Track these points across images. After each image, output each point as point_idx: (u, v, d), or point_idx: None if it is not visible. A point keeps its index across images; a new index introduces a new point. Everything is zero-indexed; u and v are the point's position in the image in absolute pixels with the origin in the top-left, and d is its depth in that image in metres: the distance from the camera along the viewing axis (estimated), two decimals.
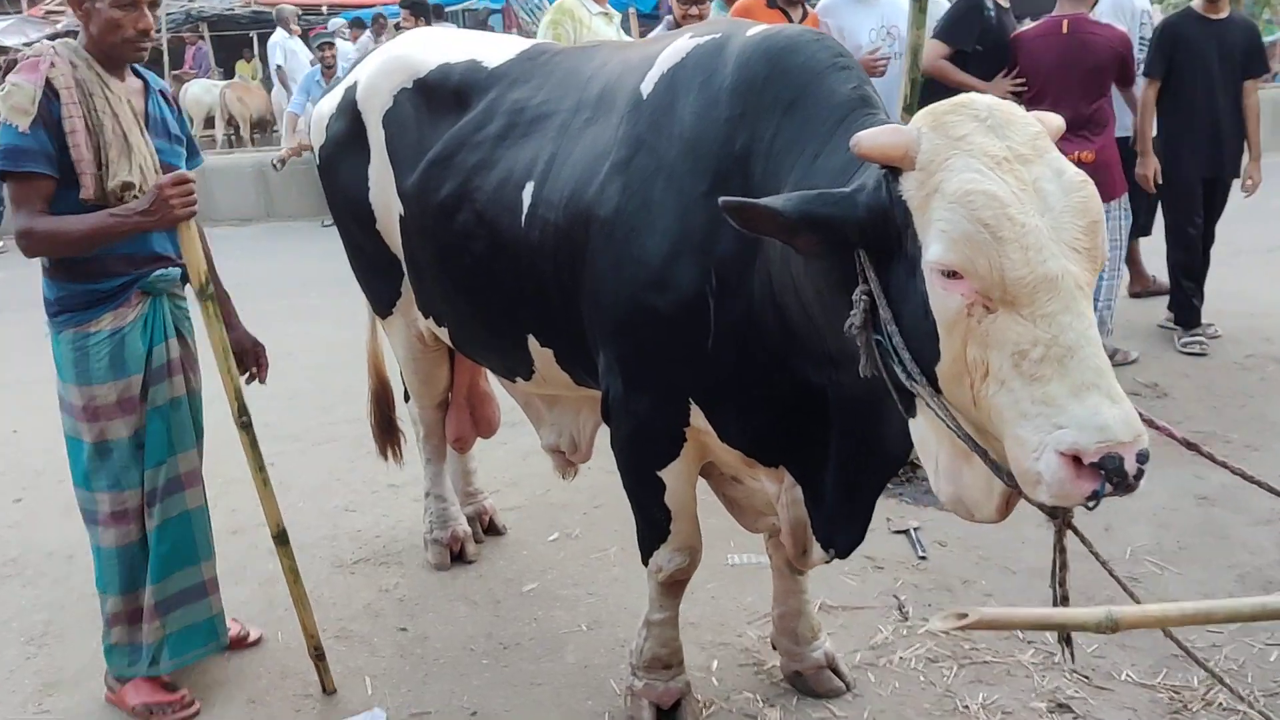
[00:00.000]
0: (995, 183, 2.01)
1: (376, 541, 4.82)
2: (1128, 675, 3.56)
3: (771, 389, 2.78)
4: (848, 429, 2.73)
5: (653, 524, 3.20)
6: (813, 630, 3.56)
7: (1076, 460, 1.88)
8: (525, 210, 3.14)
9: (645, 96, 2.90)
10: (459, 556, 4.55)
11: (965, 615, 1.81)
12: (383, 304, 4.16)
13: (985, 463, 2.09)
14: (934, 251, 2.01)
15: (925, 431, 2.28)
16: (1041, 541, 4.05)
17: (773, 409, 2.82)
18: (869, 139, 2.14)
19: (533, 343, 3.37)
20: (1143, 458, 1.90)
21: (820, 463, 2.84)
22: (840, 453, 2.77)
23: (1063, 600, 2.28)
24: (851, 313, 2.21)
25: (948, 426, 2.13)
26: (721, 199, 2.21)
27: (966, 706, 3.43)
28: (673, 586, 3.32)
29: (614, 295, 2.85)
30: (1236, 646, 3.69)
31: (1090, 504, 1.94)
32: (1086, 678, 3.57)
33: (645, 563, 3.29)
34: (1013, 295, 1.97)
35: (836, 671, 3.55)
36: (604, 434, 3.28)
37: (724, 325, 2.71)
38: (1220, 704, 3.38)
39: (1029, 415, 1.95)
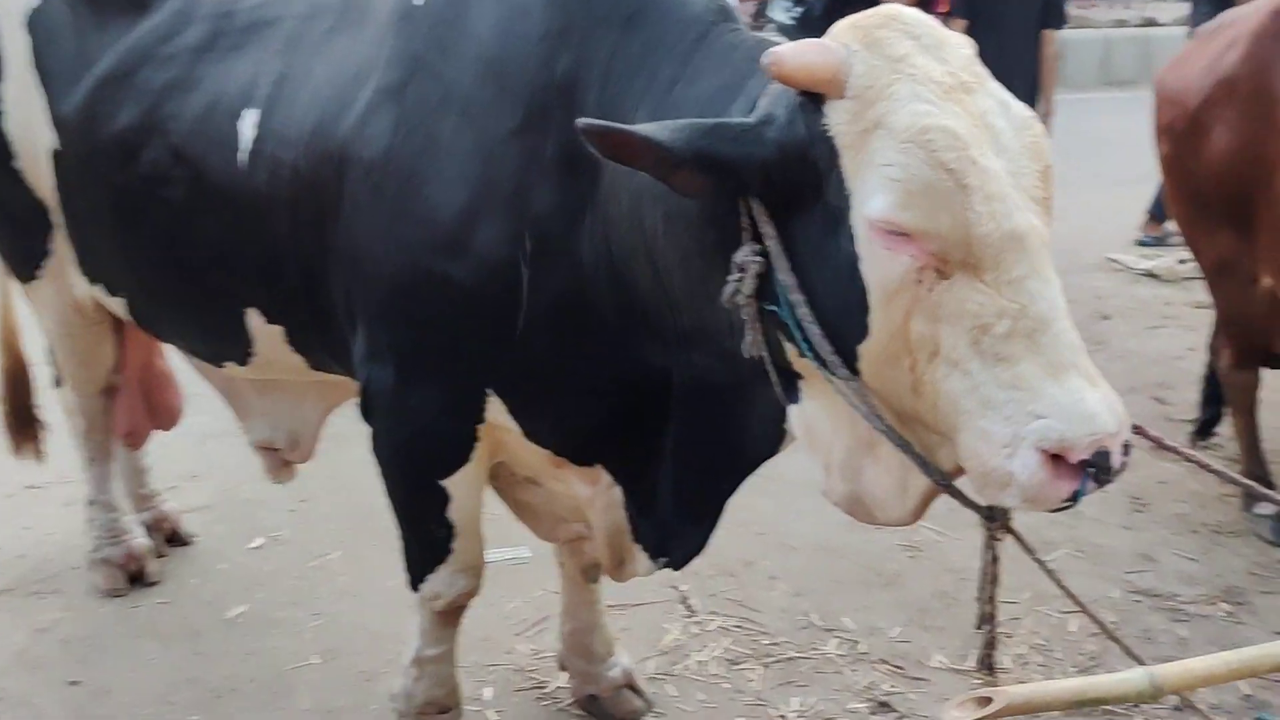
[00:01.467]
0: (952, 117, 1.64)
1: (22, 564, 3.80)
2: (939, 661, 3.30)
3: (598, 376, 2.25)
4: (695, 420, 2.26)
5: (429, 543, 2.55)
6: (608, 645, 3.04)
7: (1057, 457, 1.58)
8: (245, 147, 2.46)
9: (420, 2, 2.30)
10: (138, 578, 3.63)
11: (988, 700, 1.41)
12: (24, 265, 3.18)
13: (911, 458, 1.75)
14: (879, 204, 1.63)
15: (815, 420, 1.94)
16: (818, 512, 3.71)
17: (598, 400, 2.29)
18: (793, 57, 1.70)
19: (254, 319, 2.62)
20: (1128, 449, 1.63)
21: (650, 461, 2.34)
22: (682, 448, 2.30)
23: (988, 619, 1.95)
24: (734, 278, 1.79)
25: (864, 416, 1.75)
26: (582, 121, 1.74)
27: (783, 716, 3.04)
28: (452, 614, 2.69)
29: (386, 262, 2.26)
30: (1036, 618, 3.51)
31: (1068, 505, 1.63)
32: (899, 668, 3.27)
33: (414, 588, 2.63)
34: (976, 257, 1.62)
35: (635, 689, 3.04)
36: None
37: (541, 300, 2.17)
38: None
39: (995, 403, 1.61)
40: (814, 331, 1.73)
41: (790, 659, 3.29)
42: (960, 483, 1.77)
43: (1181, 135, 3.73)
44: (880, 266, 1.65)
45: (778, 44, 1.95)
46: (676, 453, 2.29)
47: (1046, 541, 3.78)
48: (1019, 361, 1.60)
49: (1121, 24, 14.51)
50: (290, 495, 4.16)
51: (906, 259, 1.63)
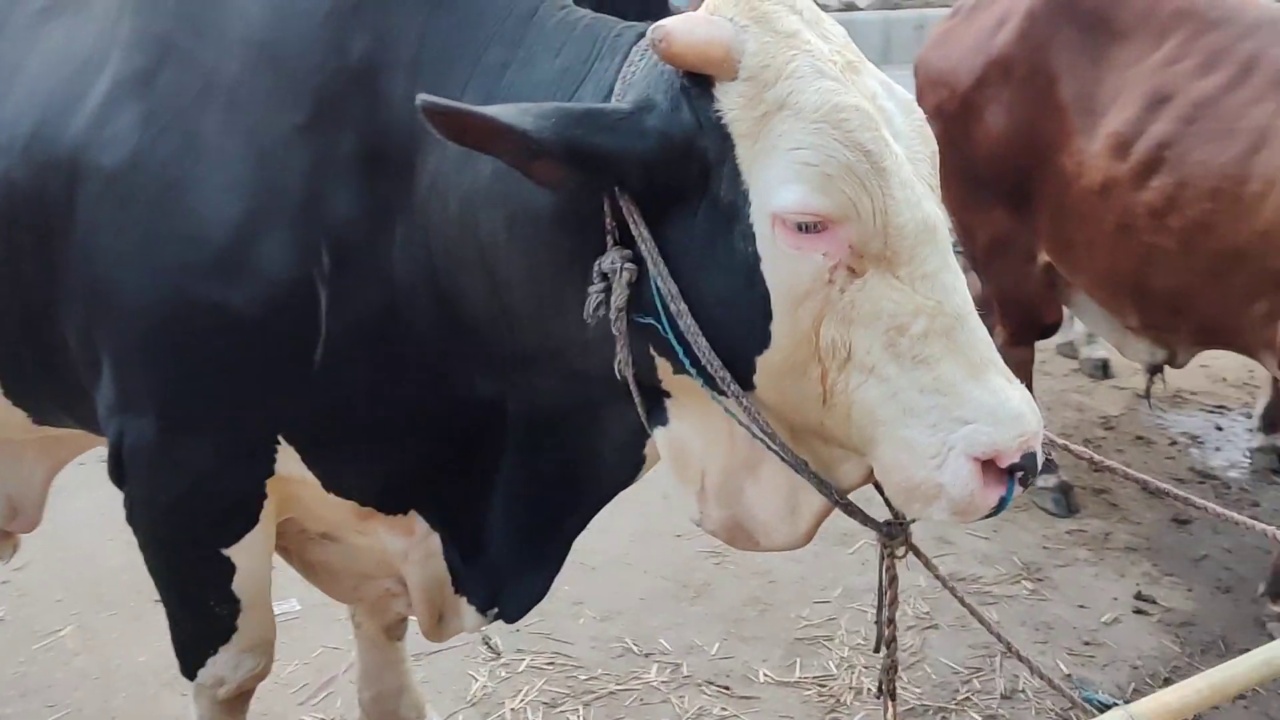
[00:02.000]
0: (858, 96, 1.48)
1: None
2: (765, 675, 3.13)
3: (415, 411, 1.90)
4: (535, 452, 1.96)
5: (209, 622, 2.13)
6: (419, 709, 2.68)
7: (986, 463, 1.46)
8: None
9: None
10: None
11: None
12: None
13: (807, 477, 1.58)
14: (792, 195, 1.44)
15: (686, 442, 1.73)
16: (613, 527, 3.47)
17: (415, 438, 1.94)
18: (684, 33, 1.45)
19: None
20: (1046, 446, 1.54)
21: (476, 500, 2.02)
22: (519, 484, 1.99)
23: (888, 641, 1.79)
24: (596, 289, 1.55)
25: (756, 435, 1.57)
26: (423, 98, 1.44)
27: None
28: (238, 701, 2.27)
29: (140, 291, 1.83)
30: (851, 616, 3.40)
31: (994, 513, 1.51)
32: (725, 689, 3.07)
33: (190, 675, 2.19)
34: (893, 250, 1.46)
35: None
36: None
37: (343, 324, 1.80)
38: (867, 690, 3.05)
39: (918, 410, 1.48)
40: (701, 345, 1.51)
41: (611, 693, 3.04)
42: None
43: (952, 117, 3.71)
44: (787, 267, 1.46)
45: (612, 20, 1.69)
46: (512, 489, 1.98)
47: (845, 534, 3.70)
48: (939, 362, 1.47)
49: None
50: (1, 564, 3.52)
51: (819, 257, 1.45)
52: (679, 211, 1.52)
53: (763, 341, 1.51)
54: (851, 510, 1.61)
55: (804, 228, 1.44)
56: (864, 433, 1.51)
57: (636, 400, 1.65)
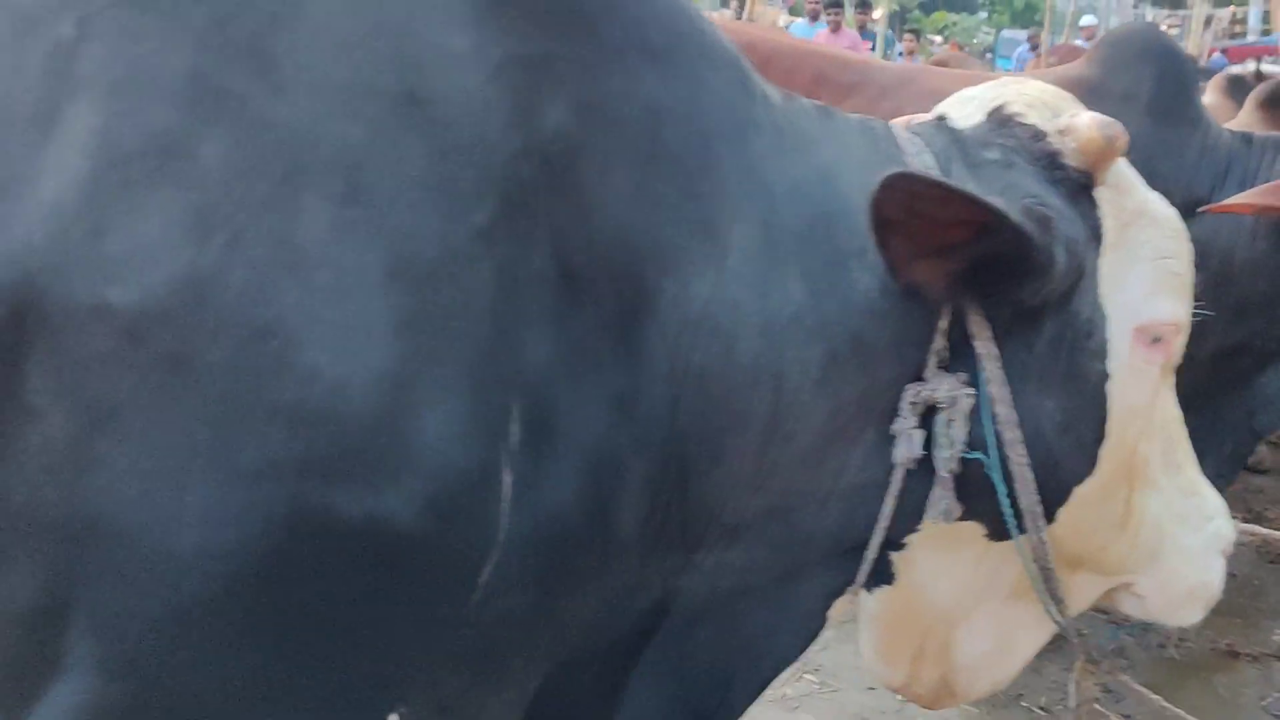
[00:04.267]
0: None
1: None
2: None
3: (578, 643, 1.45)
4: (695, 653, 1.58)
5: None
6: None
7: None
8: None
9: None
10: None
11: None
12: None
13: (1058, 613, 1.51)
14: (1166, 306, 1.43)
15: (909, 600, 1.56)
16: None
17: (568, 676, 1.48)
18: (1090, 124, 1.39)
19: None
20: None
21: None
22: (670, 694, 1.59)
23: None
24: (909, 425, 1.36)
25: (1039, 578, 1.47)
26: (902, 172, 1.25)
27: None
28: None
29: (202, 518, 1.11)
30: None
31: None
32: None
33: None
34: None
35: None
36: None
37: (528, 529, 1.23)
38: None
39: (1186, 517, 1.53)
40: (1027, 479, 1.37)
41: None
42: None
43: None
44: (1135, 384, 1.43)
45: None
46: (649, 705, 1.58)
47: None
48: (1183, 465, 1.54)
49: None
50: None
51: (1156, 371, 1.45)
52: (1021, 328, 1.38)
53: (1089, 468, 1.43)
54: (1070, 633, 1.55)
55: (1154, 340, 1.42)
56: (1148, 548, 1.50)
57: (870, 558, 1.44)
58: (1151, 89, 3.53)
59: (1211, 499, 1.54)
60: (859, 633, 1.65)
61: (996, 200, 1.26)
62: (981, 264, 1.29)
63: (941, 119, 1.51)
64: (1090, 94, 3.78)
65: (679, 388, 1.30)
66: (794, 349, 1.32)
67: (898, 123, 1.52)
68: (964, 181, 1.36)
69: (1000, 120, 1.44)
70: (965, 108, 1.50)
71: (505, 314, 1.19)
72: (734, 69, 1.38)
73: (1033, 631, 1.57)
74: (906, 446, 1.35)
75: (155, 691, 1.12)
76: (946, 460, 1.36)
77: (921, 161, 1.40)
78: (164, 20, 1.12)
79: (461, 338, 1.16)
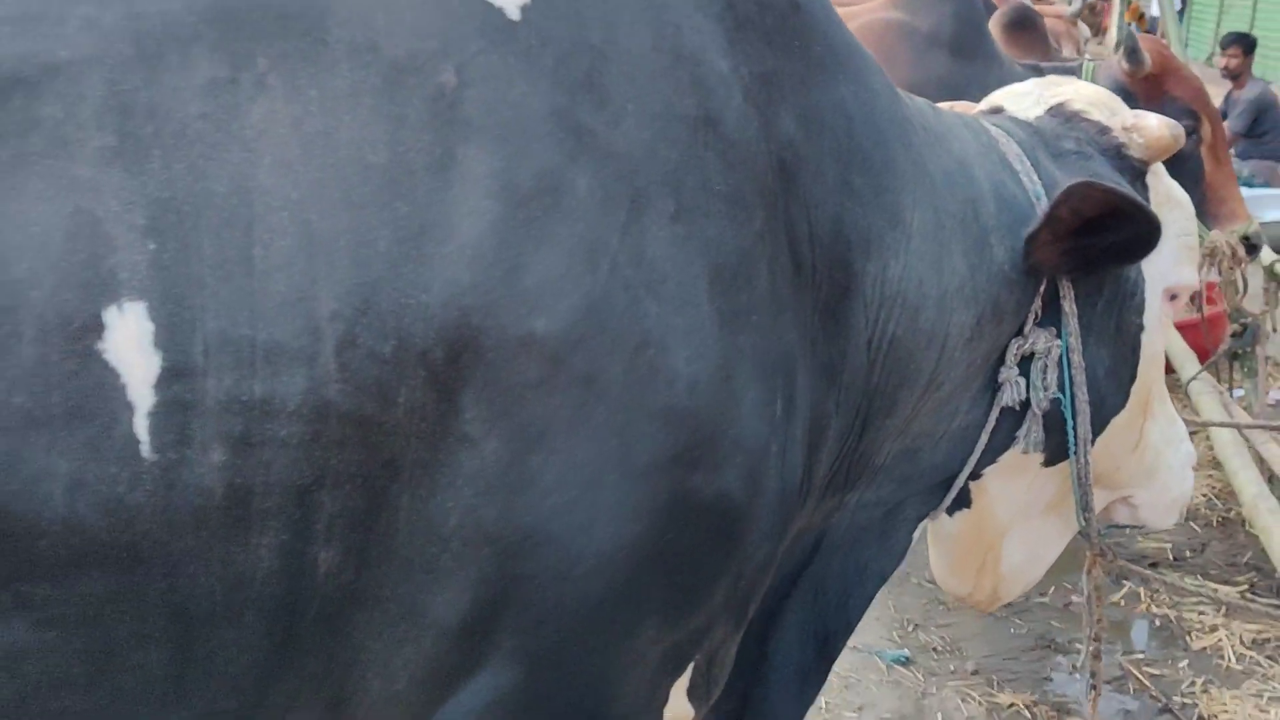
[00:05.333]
0: None
1: None
2: None
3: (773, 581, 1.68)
4: (822, 580, 1.85)
5: None
6: None
7: None
8: (144, 402, 1.08)
9: (515, 16, 1.26)
10: None
11: None
12: None
13: (1090, 526, 1.85)
14: (1188, 273, 1.84)
15: (981, 521, 1.86)
16: None
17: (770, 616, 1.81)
18: (1160, 125, 1.74)
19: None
20: None
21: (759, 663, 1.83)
22: (796, 625, 1.83)
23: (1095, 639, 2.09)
24: (1013, 373, 1.67)
25: (1079, 493, 1.79)
26: (1092, 181, 1.57)
27: None
28: None
29: (617, 509, 1.29)
30: None
31: None
32: None
33: None
34: None
35: None
36: None
37: (780, 490, 1.44)
38: None
39: (1171, 438, 1.91)
40: (1086, 414, 1.70)
41: None
42: None
43: None
44: (1158, 334, 1.78)
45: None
46: (790, 631, 1.82)
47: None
48: (1164, 395, 1.90)
49: None
50: None
51: (1169, 322, 1.83)
52: (1089, 290, 1.69)
53: (1124, 403, 1.79)
54: (1088, 536, 1.87)
55: (1172, 298, 1.80)
56: (1147, 466, 1.87)
57: (960, 485, 1.76)
58: (952, 28, 3.85)
59: (1181, 424, 1.93)
60: (931, 553, 1.96)
61: (1150, 207, 1.62)
62: (1107, 247, 1.60)
63: (999, 110, 1.83)
64: (900, 35, 4.08)
65: (874, 355, 1.55)
66: (957, 315, 1.59)
67: (956, 109, 1.82)
68: (1051, 168, 1.67)
69: (1066, 116, 1.76)
70: (1022, 101, 1.82)
71: (774, 306, 1.39)
72: (882, 73, 1.60)
73: (1055, 542, 1.94)
74: (1013, 390, 1.63)
75: (569, 675, 1.32)
76: (1041, 400, 1.67)
77: (1010, 150, 1.67)
78: (524, 62, 1.22)
79: (755, 330, 1.36)
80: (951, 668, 3.45)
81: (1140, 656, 3.54)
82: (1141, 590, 3.85)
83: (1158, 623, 3.74)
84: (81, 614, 1.05)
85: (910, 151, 1.55)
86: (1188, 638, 3.61)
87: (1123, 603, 3.77)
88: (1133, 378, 1.77)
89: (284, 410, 1.08)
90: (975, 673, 3.43)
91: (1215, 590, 3.69)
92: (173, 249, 1.05)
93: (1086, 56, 5.67)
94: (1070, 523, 1.89)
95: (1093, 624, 2.09)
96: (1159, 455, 1.87)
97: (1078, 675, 3.39)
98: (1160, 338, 1.79)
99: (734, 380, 1.31)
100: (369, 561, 1.17)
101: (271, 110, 1.10)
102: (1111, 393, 1.76)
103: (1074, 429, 1.69)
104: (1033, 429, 1.69)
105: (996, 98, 1.89)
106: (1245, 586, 3.86)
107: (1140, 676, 3.38)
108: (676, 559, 1.32)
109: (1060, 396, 1.68)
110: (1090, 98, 1.78)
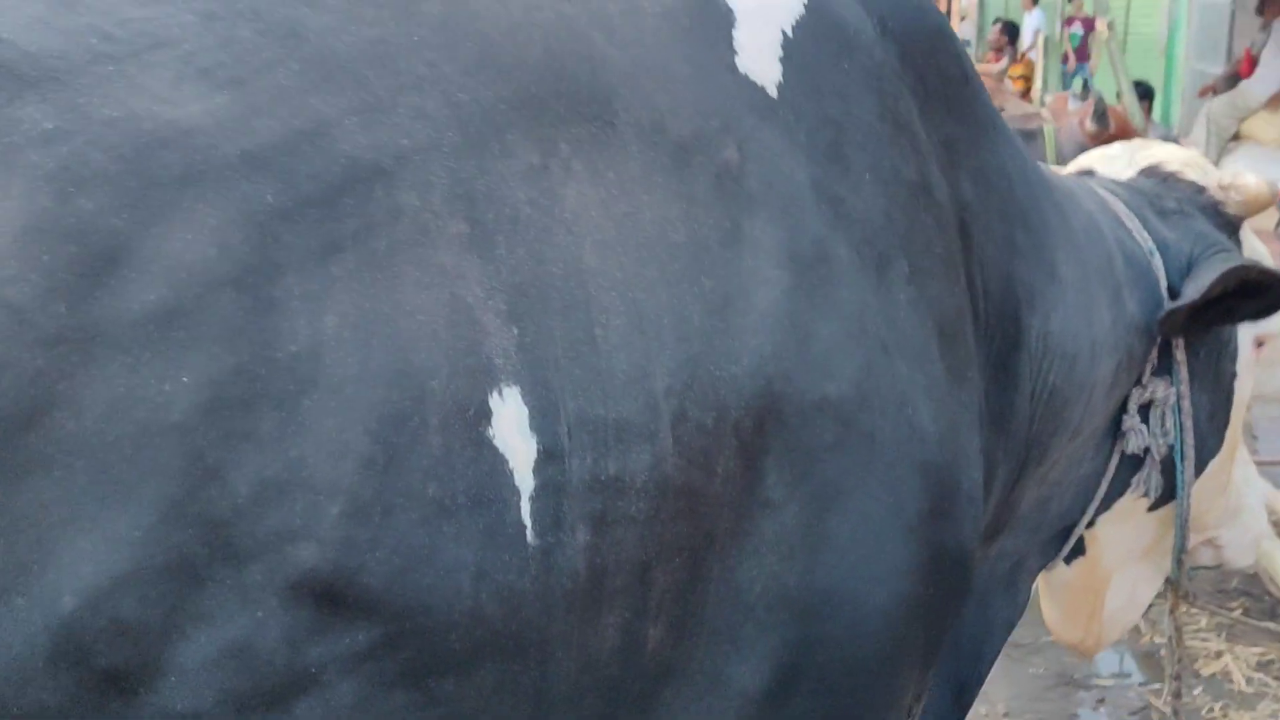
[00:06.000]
0: None
1: None
2: None
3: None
4: (958, 632, 1.85)
5: None
6: None
7: None
8: (528, 488, 1.09)
9: (774, 91, 1.31)
10: None
11: None
12: None
13: (1180, 563, 1.94)
14: (1274, 322, 1.87)
15: (1093, 568, 1.94)
16: None
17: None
18: (1259, 183, 1.86)
19: None
20: None
21: None
22: (941, 675, 1.85)
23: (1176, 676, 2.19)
24: (1135, 421, 1.77)
25: (1181, 534, 1.88)
26: (1249, 263, 1.75)
27: None
28: None
29: (895, 566, 1.34)
30: None
31: None
32: None
33: None
34: None
35: None
36: None
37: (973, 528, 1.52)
38: None
39: (1250, 479, 2.02)
40: (1191, 458, 1.75)
41: None
42: None
43: None
44: (1248, 380, 1.89)
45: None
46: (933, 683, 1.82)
47: None
48: (1240, 437, 2.00)
49: None
50: None
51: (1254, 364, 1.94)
52: (1195, 341, 1.80)
53: (1220, 447, 1.87)
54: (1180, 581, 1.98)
55: (1259, 345, 1.91)
56: (1233, 508, 1.97)
57: (1079, 532, 1.81)
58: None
59: (1254, 466, 2.03)
60: (1044, 604, 2.05)
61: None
62: (1235, 311, 1.74)
63: (1090, 172, 1.93)
64: None
65: (1036, 404, 1.62)
66: (1102, 364, 1.68)
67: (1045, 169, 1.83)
68: (1159, 226, 1.77)
69: (1163, 176, 1.87)
70: (1114, 164, 1.93)
71: (972, 360, 1.46)
72: (1014, 133, 1.68)
73: (1150, 585, 2.02)
74: (1138, 437, 1.71)
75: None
76: (1159, 446, 1.73)
77: (1119, 208, 1.78)
78: (786, 137, 1.28)
79: (970, 385, 1.44)
80: (984, 711, 3.54)
81: (1158, 687, 3.66)
82: (1140, 623, 3.97)
83: (1163, 652, 3.87)
84: (475, 708, 1.05)
85: (1056, 207, 1.66)
86: (1195, 665, 3.75)
87: (1125, 637, 3.90)
88: (1227, 422, 1.89)
89: (633, 487, 1.10)
90: (1006, 715, 3.53)
91: (1216, 611, 3.81)
92: (531, 332, 1.07)
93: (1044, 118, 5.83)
94: (1161, 566, 1.98)
95: (1173, 663, 2.18)
96: (1240, 495, 1.99)
97: (1103, 710, 3.52)
98: (1249, 382, 1.90)
99: (960, 435, 1.39)
100: (684, 635, 1.18)
101: (581, 194, 1.13)
102: (1210, 437, 1.86)
103: (1181, 472, 1.79)
104: (1152, 474, 1.79)
105: (1086, 160, 2.01)
106: (1239, 611, 4.02)
107: (1161, 708, 3.50)
108: (931, 610, 1.37)
109: (1174, 444, 1.79)
110: (1183, 159, 1.91)
